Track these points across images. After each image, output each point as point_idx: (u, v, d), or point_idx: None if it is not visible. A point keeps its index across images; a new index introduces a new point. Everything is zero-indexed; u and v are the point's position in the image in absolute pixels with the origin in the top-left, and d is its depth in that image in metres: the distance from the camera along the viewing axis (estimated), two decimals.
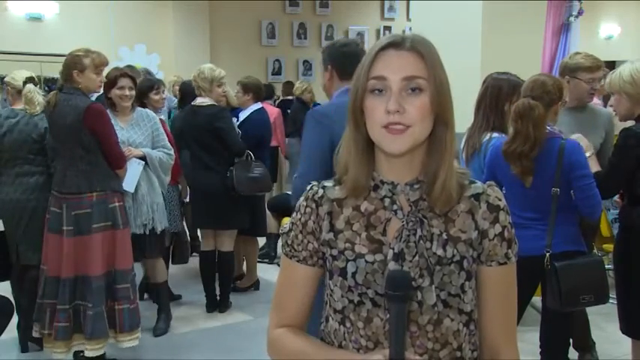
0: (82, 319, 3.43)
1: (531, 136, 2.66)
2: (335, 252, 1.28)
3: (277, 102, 8.97)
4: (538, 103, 2.68)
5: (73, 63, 3.42)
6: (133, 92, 3.96)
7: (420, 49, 1.20)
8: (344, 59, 2.67)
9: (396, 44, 1.20)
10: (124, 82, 3.89)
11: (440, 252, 1.23)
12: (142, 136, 3.96)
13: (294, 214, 1.34)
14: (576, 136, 2.90)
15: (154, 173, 4.01)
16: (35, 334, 3.61)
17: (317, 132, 2.56)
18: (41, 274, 3.50)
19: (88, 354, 3.46)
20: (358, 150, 1.25)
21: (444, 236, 1.24)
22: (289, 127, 7.75)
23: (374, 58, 1.20)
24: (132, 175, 3.87)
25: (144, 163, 3.92)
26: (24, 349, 3.84)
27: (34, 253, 3.59)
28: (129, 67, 5.54)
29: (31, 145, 3.64)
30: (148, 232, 3.98)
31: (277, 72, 11.19)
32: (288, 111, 8.54)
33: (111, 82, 3.90)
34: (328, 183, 1.32)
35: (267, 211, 5.41)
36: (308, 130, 2.62)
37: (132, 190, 3.89)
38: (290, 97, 8.71)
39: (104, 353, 3.57)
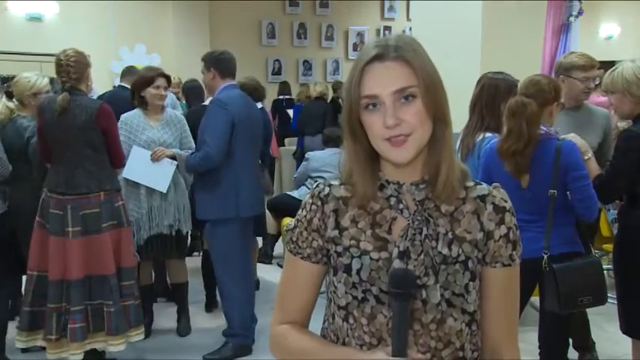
0: (90, 318, 3.42)
1: (524, 133, 2.65)
2: (340, 249, 1.28)
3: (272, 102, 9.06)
4: (531, 100, 2.68)
5: (87, 62, 3.48)
6: (167, 92, 4.01)
7: (405, 55, 1.18)
8: (222, 63, 3.75)
9: (380, 56, 1.18)
10: (160, 81, 3.95)
11: (445, 251, 1.24)
12: (171, 137, 3.99)
13: (299, 211, 1.34)
14: (571, 136, 2.88)
15: (182, 174, 4.03)
16: (19, 345, 3.52)
17: (223, 115, 3.58)
18: (30, 280, 3.43)
19: (111, 349, 3.46)
20: (360, 161, 1.25)
21: (450, 235, 1.25)
22: (308, 125, 7.73)
23: (362, 74, 1.19)
24: (165, 175, 3.89)
25: (177, 163, 3.93)
26: (24, 349, 3.83)
27: None
28: (131, 67, 5.54)
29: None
30: (173, 233, 4.02)
31: (277, 72, 11.20)
32: (290, 111, 8.56)
33: (147, 81, 3.93)
34: (334, 182, 1.32)
35: (267, 212, 5.41)
36: (215, 114, 3.61)
37: (164, 191, 3.92)
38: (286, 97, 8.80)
39: (104, 352, 3.58)
